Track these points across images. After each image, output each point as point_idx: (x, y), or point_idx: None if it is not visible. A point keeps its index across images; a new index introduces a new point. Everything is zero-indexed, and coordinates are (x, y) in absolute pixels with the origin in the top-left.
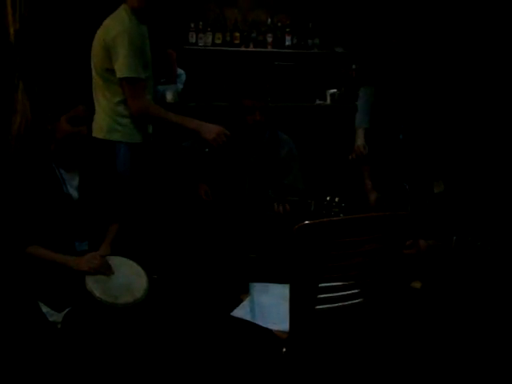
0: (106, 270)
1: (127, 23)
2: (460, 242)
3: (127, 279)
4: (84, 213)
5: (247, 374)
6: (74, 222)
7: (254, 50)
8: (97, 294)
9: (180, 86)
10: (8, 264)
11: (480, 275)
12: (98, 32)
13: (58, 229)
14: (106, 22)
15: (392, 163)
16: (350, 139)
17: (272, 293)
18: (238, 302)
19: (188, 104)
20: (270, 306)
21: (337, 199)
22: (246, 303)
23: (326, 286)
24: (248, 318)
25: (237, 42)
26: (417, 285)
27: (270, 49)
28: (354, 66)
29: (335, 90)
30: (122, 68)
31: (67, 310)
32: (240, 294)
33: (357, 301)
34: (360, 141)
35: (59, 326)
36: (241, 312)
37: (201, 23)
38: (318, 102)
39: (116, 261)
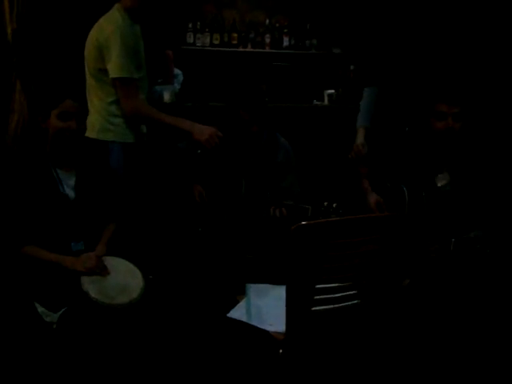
0: (102, 271)
1: (120, 23)
2: (459, 244)
3: (123, 279)
4: (80, 213)
5: (244, 375)
6: (70, 222)
7: (251, 50)
8: (92, 294)
9: (177, 87)
10: (4, 264)
11: (479, 277)
12: (92, 32)
13: (54, 229)
14: (100, 21)
15: (391, 164)
16: (347, 140)
17: (268, 294)
18: (234, 303)
19: (185, 104)
20: (266, 307)
21: (334, 205)
22: (242, 304)
23: (322, 288)
24: (244, 319)
25: (235, 42)
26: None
27: (267, 49)
28: (351, 67)
29: (333, 91)
30: (114, 68)
31: (63, 310)
32: (236, 295)
33: (354, 302)
34: (360, 140)
35: (55, 326)
36: (237, 313)
37: (199, 23)
38: (315, 102)
39: (112, 261)
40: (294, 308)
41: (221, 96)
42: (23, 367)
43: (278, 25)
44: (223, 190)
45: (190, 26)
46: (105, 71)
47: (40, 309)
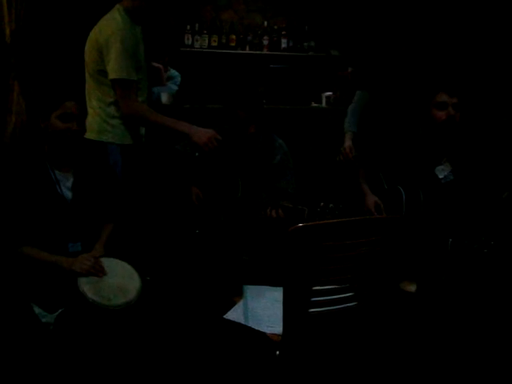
0: (99, 272)
1: (120, 24)
2: (456, 244)
3: (120, 281)
4: (78, 214)
5: (241, 376)
6: (67, 223)
7: (249, 52)
8: (89, 295)
9: (175, 88)
10: (1, 264)
11: (477, 278)
12: (92, 33)
13: (51, 229)
14: (100, 22)
15: (388, 165)
16: (341, 142)
17: (265, 295)
18: (231, 305)
19: (183, 106)
20: (263, 308)
21: (331, 205)
22: (239, 306)
23: (319, 289)
24: (241, 320)
25: (233, 44)
26: (411, 288)
27: (265, 51)
28: (349, 69)
29: (331, 93)
30: (113, 69)
31: (60, 311)
32: (233, 296)
33: (351, 304)
34: (348, 143)
35: (51, 327)
36: (234, 314)
37: (197, 25)
38: (313, 104)
39: (109, 262)
40: (291, 310)
41: (219, 98)
42: (20, 368)
43: (276, 27)
44: (220, 191)
45: (189, 27)
46: (104, 72)
47: (37, 310)
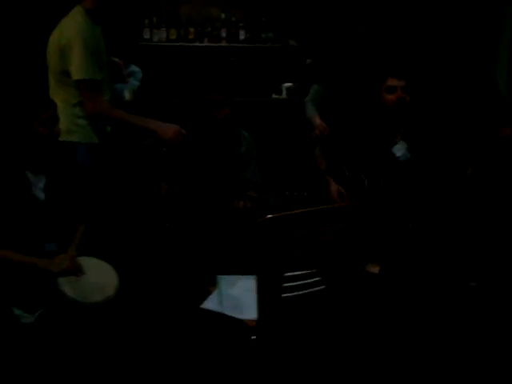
0: (77, 271)
1: (82, 24)
2: (415, 228)
3: (98, 278)
4: (51, 214)
5: (218, 361)
6: (42, 224)
7: (208, 45)
8: (69, 294)
9: (137, 84)
10: None
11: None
12: (53, 35)
13: (26, 231)
14: (61, 24)
15: (347, 151)
16: (306, 130)
17: (239, 284)
18: (206, 294)
19: (145, 102)
20: (237, 296)
21: (295, 193)
22: (214, 295)
23: (290, 275)
24: (217, 308)
25: (191, 37)
26: (374, 269)
27: (224, 43)
28: (308, 61)
29: (291, 84)
30: (77, 70)
31: (40, 311)
32: (208, 286)
33: (319, 288)
34: (319, 121)
35: (32, 327)
36: (210, 304)
37: (155, 19)
38: (274, 96)
39: (86, 261)
40: (265, 295)
41: (180, 92)
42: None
43: (233, 19)
44: (189, 184)
45: (147, 22)
46: (67, 73)
47: (16, 311)
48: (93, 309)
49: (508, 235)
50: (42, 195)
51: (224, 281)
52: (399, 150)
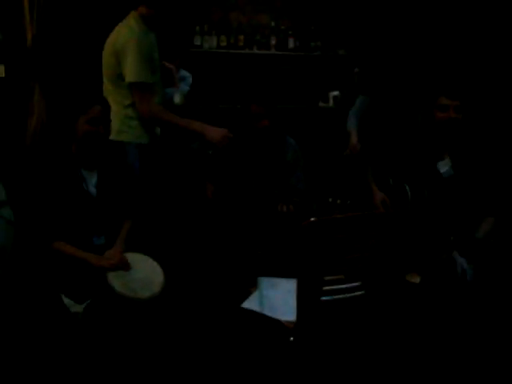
0: (125, 267)
1: (136, 30)
2: (458, 241)
3: (145, 274)
4: (102, 209)
5: (257, 361)
6: (92, 218)
7: (257, 52)
8: (117, 288)
9: (187, 88)
10: (33, 257)
11: (481, 273)
12: (109, 38)
13: (78, 224)
14: (116, 28)
15: (393, 162)
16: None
17: (279, 286)
18: (247, 295)
19: (194, 106)
20: (277, 298)
21: (338, 201)
22: (254, 296)
23: (330, 279)
24: (257, 309)
25: (241, 44)
26: (415, 279)
27: (273, 51)
28: (356, 69)
29: (337, 93)
30: (130, 73)
31: (87, 302)
32: (249, 287)
33: (359, 293)
34: (354, 139)
35: (80, 316)
36: (250, 304)
37: (206, 26)
38: (321, 104)
39: (133, 257)
40: (304, 298)
41: (229, 98)
42: (49, 355)
43: (283, 27)
44: (234, 188)
45: (198, 28)
46: (121, 76)
47: (66, 300)
48: (139, 304)
49: None
50: (93, 191)
51: (265, 282)
52: (444, 166)
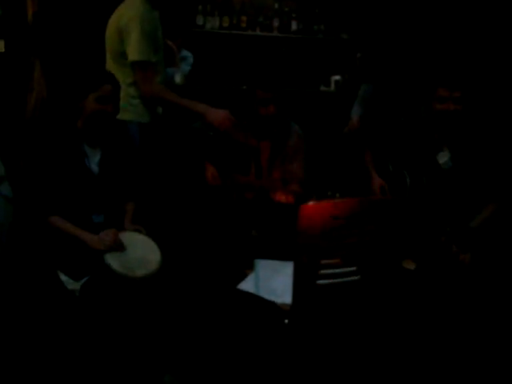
0: (119, 247)
1: (140, 9)
2: (454, 232)
3: (142, 253)
4: (103, 188)
5: (251, 342)
6: (93, 196)
7: (260, 34)
8: (114, 266)
9: (188, 68)
10: (29, 232)
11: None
12: (112, 17)
13: (78, 200)
14: (120, 7)
15: (393, 148)
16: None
17: (275, 269)
18: (243, 277)
19: (195, 87)
20: (273, 280)
21: (337, 195)
22: (250, 277)
23: (326, 263)
24: (252, 290)
25: (243, 25)
26: (410, 266)
27: (276, 33)
28: (358, 54)
29: (339, 77)
30: (133, 52)
31: (85, 279)
32: (245, 269)
33: (355, 278)
34: (355, 118)
35: (77, 294)
36: (246, 285)
37: (208, 6)
38: (322, 88)
39: (132, 236)
40: (300, 281)
41: (231, 79)
42: (46, 332)
43: (286, 9)
44: (233, 170)
45: (200, 8)
46: (124, 54)
47: (63, 277)
48: (136, 282)
49: None
50: (96, 169)
51: (261, 264)
52: (442, 157)
